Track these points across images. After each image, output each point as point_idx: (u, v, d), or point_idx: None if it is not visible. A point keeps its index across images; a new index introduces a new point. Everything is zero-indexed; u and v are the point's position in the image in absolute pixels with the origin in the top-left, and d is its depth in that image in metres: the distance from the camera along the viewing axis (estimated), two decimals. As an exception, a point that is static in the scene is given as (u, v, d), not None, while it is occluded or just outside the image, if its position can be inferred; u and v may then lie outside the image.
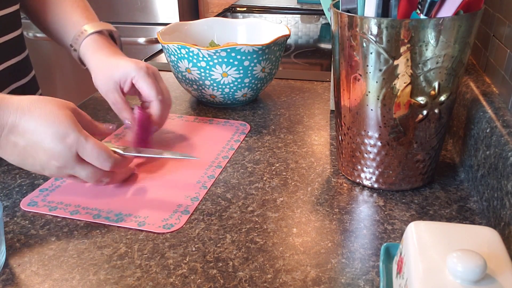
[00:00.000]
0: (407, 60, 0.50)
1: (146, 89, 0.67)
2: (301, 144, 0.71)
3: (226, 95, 0.80)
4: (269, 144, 0.71)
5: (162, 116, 0.68)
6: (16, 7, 0.78)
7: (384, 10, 0.51)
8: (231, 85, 0.78)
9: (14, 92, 0.79)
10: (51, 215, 0.55)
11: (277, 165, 0.65)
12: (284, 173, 0.63)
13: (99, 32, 0.74)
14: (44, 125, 0.52)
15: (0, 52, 0.75)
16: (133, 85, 0.68)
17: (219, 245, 0.50)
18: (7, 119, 0.51)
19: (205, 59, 0.75)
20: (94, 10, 0.80)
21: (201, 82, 0.78)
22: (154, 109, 0.67)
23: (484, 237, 0.37)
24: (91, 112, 0.83)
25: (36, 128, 0.51)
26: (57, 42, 0.82)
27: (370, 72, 0.52)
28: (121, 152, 0.59)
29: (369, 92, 0.53)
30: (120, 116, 0.68)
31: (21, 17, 0.81)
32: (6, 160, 0.54)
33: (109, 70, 0.68)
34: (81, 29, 0.74)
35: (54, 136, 0.51)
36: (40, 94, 0.90)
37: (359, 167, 0.59)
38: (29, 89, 0.85)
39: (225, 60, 0.74)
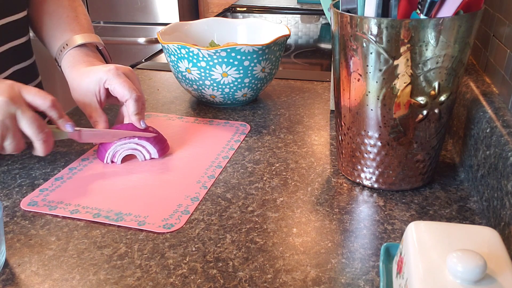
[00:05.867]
0: (407, 60, 0.50)
1: (119, 89, 0.64)
2: (301, 144, 0.71)
3: (226, 95, 0.80)
4: (269, 144, 0.71)
5: (139, 114, 0.65)
6: (24, 13, 0.77)
7: (384, 10, 0.51)
8: (231, 85, 0.78)
9: None
10: (51, 215, 0.55)
11: (277, 165, 0.65)
12: (284, 173, 0.63)
13: (81, 46, 0.71)
14: None
15: (8, 57, 0.75)
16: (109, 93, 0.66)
17: (219, 245, 0.50)
18: None
19: (205, 59, 0.75)
20: (94, 10, 0.79)
21: (201, 82, 0.78)
22: (130, 108, 0.64)
23: (484, 237, 0.37)
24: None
25: None
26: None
27: (370, 72, 0.52)
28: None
29: (369, 92, 0.53)
30: (99, 127, 0.66)
31: None
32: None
33: (81, 83, 0.66)
34: (63, 44, 0.72)
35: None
36: None
37: (359, 167, 0.59)
38: None
39: (225, 60, 0.74)
